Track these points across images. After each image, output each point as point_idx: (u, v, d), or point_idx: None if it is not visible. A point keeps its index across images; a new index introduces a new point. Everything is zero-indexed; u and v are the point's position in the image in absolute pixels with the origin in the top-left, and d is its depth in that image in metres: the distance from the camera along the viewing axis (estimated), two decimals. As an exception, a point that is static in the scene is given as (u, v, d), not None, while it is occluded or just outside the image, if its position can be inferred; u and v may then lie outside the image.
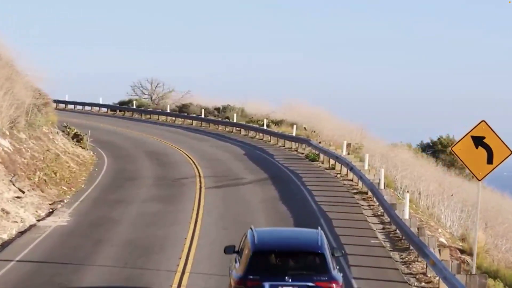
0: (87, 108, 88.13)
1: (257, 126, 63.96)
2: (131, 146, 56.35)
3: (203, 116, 72.50)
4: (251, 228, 18.89)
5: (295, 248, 18.45)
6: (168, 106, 79.60)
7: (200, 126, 71.11)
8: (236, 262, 18.73)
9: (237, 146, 55.67)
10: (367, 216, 32.40)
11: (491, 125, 22.14)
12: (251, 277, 17.39)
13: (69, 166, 43.64)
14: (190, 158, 49.52)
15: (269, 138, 59.90)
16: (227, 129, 67.24)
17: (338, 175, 42.89)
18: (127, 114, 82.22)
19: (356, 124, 71.79)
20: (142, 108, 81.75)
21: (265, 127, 63.06)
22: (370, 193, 35.25)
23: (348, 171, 40.97)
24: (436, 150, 72.93)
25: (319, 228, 19.37)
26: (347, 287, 20.01)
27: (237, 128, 65.86)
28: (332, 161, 45.43)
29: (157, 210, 32.87)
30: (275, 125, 68.35)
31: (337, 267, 18.29)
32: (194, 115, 74.52)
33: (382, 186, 34.08)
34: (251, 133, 63.76)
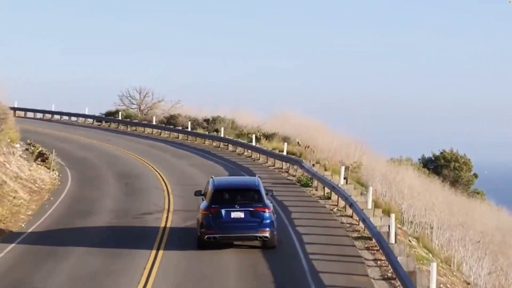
0: (73, 118, 78.56)
1: (245, 142, 53.89)
2: (104, 165, 46.74)
3: (189, 129, 62.62)
4: (212, 177, 27.22)
5: (241, 186, 27.05)
6: (154, 118, 69.63)
7: (186, 140, 61.31)
8: (203, 200, 26.43)
9: (221, 166, 45.83)
10: (373, 279, 22.43)
11: None
12: (213, 206, 25.18)
13: (14, 197, 33.72)
14: (164, 182, 39.86)
15: (258, 155, 50.13)
16: (214, 144, 57.41)
17: (335, 209, 32.91)
18: (113, 125, 72.44)
19: (353, 136, 62.35)
20: (128, 120, 71.96)
21: (253, 142, 52.89)
22: (375, 240, 25.42)
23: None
24: (438, 165, 63.19)
25: (257, 175, 31.64)
26: None
27: (225, 143, 56.02)
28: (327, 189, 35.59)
29: (96, 269, 22.96)
30: (266, 139, 58.55)
31: (270, 200, 27.07)
32: (181, 128, 64.77)
33: (392, 239, 24.12)
34: (239, 149, 53.95)
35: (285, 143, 49.93)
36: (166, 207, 32.86)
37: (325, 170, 43.85)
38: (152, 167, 45.01)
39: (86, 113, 77.51)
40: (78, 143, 58.31)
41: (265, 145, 55.88)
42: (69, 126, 71.45)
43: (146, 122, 70.06)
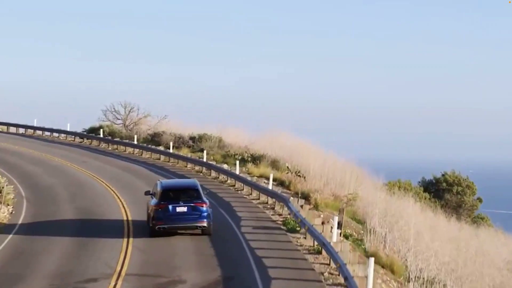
0: (55, 134, 70.74)
1: (228, 169, 45.61)
2: (68, 197, 39.01)
3: (171, 150, 54.54)
4: (159, 180, 32.49)
5: (184, 187, 31.54)
6: (136, 136, 61.54)
7: (168, 162, 53.41)
8: (152, 198, 30.58)
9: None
10: None
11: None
12: (162, 202, 29.35)
13: None
14: (128, 224, 32.17)
15: (241, 185, 42.18)
16: (196, 168, 49.39)
17: (326, 272, 24.74)
18: (94, 143, 64.53)
19: (346, 157, 54.61)
20: (109, 138, 63.99)
21: (237, 169, 44.59)
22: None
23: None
24: (440, 189, 55.21)
25: (195, 179, 34.79)
26: None
27: (207, 168, 47.98)
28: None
29: None
30: (254, 162, 50.63)
31: (207, 197, 30.96)
32: (162, 148, 56.84)
33: None
34: (222, 176, 45.95)
35: (271, 174, 41.60)
36: (119, 267, 24.95)
37: (316, 208, 36.08)
38: (121, 201, 37.17)
39: (68, 129, 69.62)
40: (50, 165, 50.57)
41: (252, 170, 48.00)
42: (48, 144, 63.60)
43: (127, 141, 62.10)
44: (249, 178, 44.01)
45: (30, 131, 72.77)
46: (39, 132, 71.79)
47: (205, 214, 29.21)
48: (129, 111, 70.49)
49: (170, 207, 29.07)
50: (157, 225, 29.07)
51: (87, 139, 65.89)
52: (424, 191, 53.49)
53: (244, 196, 39.85)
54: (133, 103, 70.61)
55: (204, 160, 49.10)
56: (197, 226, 29.32)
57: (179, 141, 61.03)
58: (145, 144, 59.72)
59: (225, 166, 48.43)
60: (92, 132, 68.35)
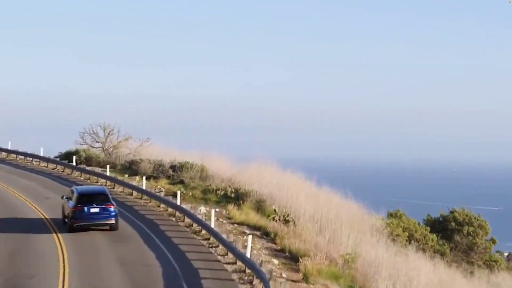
0: (29, 158, 61.23)
1: (203, 221, 35.07)
2: (3, 256, 29.59)
3: (144, 186, 44.76)
4: (74, 187, 36.14)
5: (96, 192, 34.79)
6: (108, 167, 51.53)
7: (140, 199, 43.90)
8: (68, 202, 33.82)
9: (163, 266, 28.47)
10: None
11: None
12: (79, 205, 32.87)
13: None
14: None
15: (217, 242, 32.49)
16: (169, 210, 39.79)
17: None
18: (67, 170, 54.98)
19: (340, 192, 45.36)
20: (81, 166, 54.28)
21: (212, 219, 34.65)
22: None
23: None
24: (448, 228, 45.62)
25: (105, 186, 41.89)
26: None
27: (181, 212, 38.23)
28: None
29: None
30: (236, 202, 41.09)
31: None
32: (136, 181, 47.18)
33: None
34: (197, 225, 36.22)
35: (249, 238, 31.61)
36: None
37: (307, 280, 26.60)
38: (63, 264, 27.77)
39: (41, 154, 60.10)
40: (5, 203, 41.12)
41: (233, 213, 38.39)
42: (17, 171, 54.06)
43: (100, 170, 52.58)
44: (229, 227, 34.60)
45: (3, 154, 63.40)
46: (13, 156, 62.44)
47: (113, 213, 33.54)
48: (109, 134, 61.03)
49: (85, 208, 33.22)
50: (75, 223, 33.21)
51: (60, 165, 56.29)
52: (431, 230, 44.02)
53: (219, 257, 30.14)
54: (113, 125, 61.18)
55: (178, 200, 39.30)
56: (107, 223, 33.64)
57: (158, 170, 51.51)
58: (117, 177, 50.02)
59: (201, 210, 38.91)
60: (68, 156, 58.78)
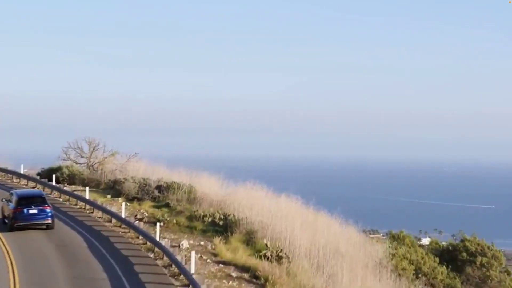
0: (9, 175, 55.51)
1: (182, 265, 29.36)
2: None
3: (123, 213, 38.84)
4: (13, 191, 37.86)
5: (34, 195, 36.84)
6: (87, 189, 45.65)
7: (119, 227, 38.19)
8: (8, 204, 35.91)
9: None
10: None
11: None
12: (19, 206, 34.91)
13: None
14: None
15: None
16: (147, 245, 33.96)
17: None
18: (47, 189, 49.24)
19: (340, 218, 39.81)
20: (59, 186, 48.45)
21: (192, 266, 28.56)
22: None
23: None
24: (459, 259, 39.88)
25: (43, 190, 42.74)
26: None
27: (158, 248, 32.38)
28: None
29: None
30: (225, 233, 35.42)
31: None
32: (115, 210, 41.14)
33: None
34: (174, 267, 30.49)
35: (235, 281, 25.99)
36: None
37: None
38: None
39: (21, 171, 54.40)
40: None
41: (220, 249, 32.63)
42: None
43: (79, 190, 46.80)
44: (213, 268, 28.93)
45: (-16, 171, 57.70)
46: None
47: (50, 214, 35.58)
48: (93, 149, 55.33)
49: (25, 210, 35.14)
50: (15, 224, 35.12)
51: (40, 184, 50.54)
52: (440, 261, 38.28)
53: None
54: (99, 139, 55.50)
55: (157, 234, 33.35)
56: (44, 223, 35.48)
57: (143, 190, 45.78)
58: (98, 198, 44.26)
59: (184, 244, 33.13)
60: (51, 173, 53.05)
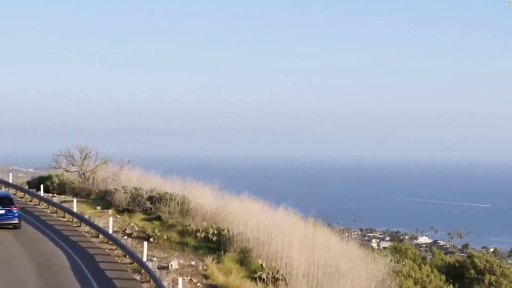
0: (-1, 184, 52.71)
1: None
2: None
3: (110, 228, 35.94)
4: None
5: (1, 196, 37.45)
6: (75, 201, 42.49)
7: (106, 244, 35.39)
8: None
9: None
10: None
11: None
12: None
13: None
14: None
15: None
16: (134, 266, 31.06)
17: None
18: (35, 200, 46.54)
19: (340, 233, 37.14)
20: (47, 197, 45.63)
21: (179, 284, 25.78)
22: None
23: None
24: (467, 277, 37.03)
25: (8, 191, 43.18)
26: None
27: (145, 271, 29.60)
28: None
29: None
30: (217, 251, 32.63)
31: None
32: (105, 225, 38.16)
33: None
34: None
35: None
36: None
37: None
38: None
39: (10, 180, 51.61)
40: None
41: (211, 270, 29.80)
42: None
43: (68, 201, 43.87)
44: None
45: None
46: (-17, 180, 53.89)
47: (17, 214, 36.73)
48: (85, 157, 52.55)
49: None
50: None
51: (28, 194, 47.75)
52: (446, 279, 35.44)
53: None
54: (91, 147, 52.73)
55: (145, 255, 30.46)
56: (11, 223, 36.50)
57: (135, 202, 43.00)
58: (87, 210, 41.51)
59: (173, 265, 30.27)
60: (41, 182, 50.34)
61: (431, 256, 45.48)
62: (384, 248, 46.07)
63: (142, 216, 40.90)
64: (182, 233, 36.29)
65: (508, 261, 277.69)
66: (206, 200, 42.42)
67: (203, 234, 35.46)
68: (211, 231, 35.63)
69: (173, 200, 42.11)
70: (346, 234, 40.05)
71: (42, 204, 44.91)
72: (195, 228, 36.26)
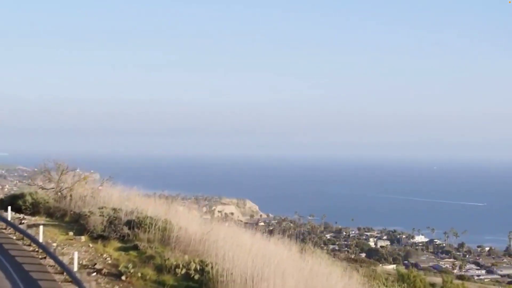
0: (-32, 203, 46.88)
1: None
2: None
3: (75, 266, 30.06)
4: None
5: None
6: (41, 229, 36.58)
7: (71, 283, 29.66)
8: None
9: None
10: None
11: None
12: None
13: None
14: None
15: None
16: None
17: None
18: (2, 223, 40.76)
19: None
20: (14, 223, 39.75)
21: None
22: None
23: None
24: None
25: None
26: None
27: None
28: None
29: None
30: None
31: None
32: (69, 261, 32.52)
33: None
34: None
35: None
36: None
37: None
38: None
39: (-21, 199, 45.79)
40: None
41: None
42: None
43: (35, 229, 38.06)
44: None
45: None
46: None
47: None
48: (62, 172, 46.78)
49: None
50: None
51: (-5, 216, 41.91)
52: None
53: None
54: (67, 163, 46.91)
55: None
56: None
57: (111, 226, 37.24)
58: (57, 237, 35.69)
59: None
60: (14, 200, 44.58)
61: (441, 285, 39.79)
62: (389, 275, 40.27)
63: (118, 244, 35.12)
64: (160, 268, 30.51)
65: (504, 260, 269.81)
66: (191, 225, 36.68)
67: (183, 271, 29.72)
68: (193, 266, 29.86)
69: (153, 225, 36.34)
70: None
71: (9, 229, 39.14)
72: (175, 263, 30.48)
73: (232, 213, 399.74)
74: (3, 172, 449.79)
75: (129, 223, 37.19)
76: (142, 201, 41.62)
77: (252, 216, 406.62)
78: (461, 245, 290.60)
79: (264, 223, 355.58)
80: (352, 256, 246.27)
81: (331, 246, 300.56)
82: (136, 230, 36.48)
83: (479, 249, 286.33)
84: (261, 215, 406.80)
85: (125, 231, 36.60)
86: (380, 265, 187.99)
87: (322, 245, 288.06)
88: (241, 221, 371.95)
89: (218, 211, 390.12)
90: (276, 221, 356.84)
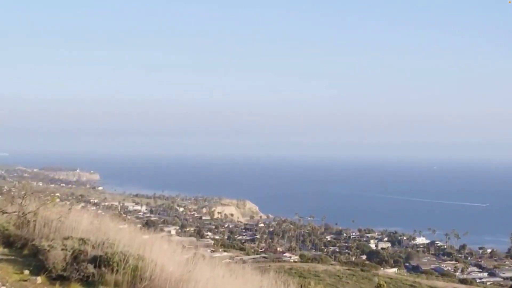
0: None
1: None
2: None
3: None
4: None
5: None
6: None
7: None
8: None
9: None
10: None
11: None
12: None
13: None
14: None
15: None
16: None
17: None
18: (-50, 257, 34.34)
19: None
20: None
21: None
22: None
23: None
24: None
25: None
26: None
27: None
28: None
29: None
30: None
31: None
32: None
33: None
34: None
35: None
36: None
37: None
38: None
39: None
40: None
41: None
42: None
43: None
44: None
45: None
46: None
47: None
48: (26, 194, 40.28)
49: None
50: None
51: None
52: None
53: None
54: (32, 182, 40.32)
55: None
56: None
57: (74, 264, 30.76)
58: (9, 277, 29.25)
59: None
60: (-30, 226, 38.03)
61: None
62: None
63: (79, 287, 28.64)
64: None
65: (506, 262, 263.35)
66: (169, 261, 30.17)
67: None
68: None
69: (124, 263, 29.82)
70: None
71: (-45, 265, 32.58)
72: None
73: (232, 214, 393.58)
74: (2, 172, 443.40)
75: (95, 260, 30.64)
76: (114, 229, 35.13)
77: (252, 217, 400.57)
78: (463, 246, 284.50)
79: (264, 224, 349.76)
80: (353, 259, 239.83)
81: (331, 248, 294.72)
82: (103, 268, 29.94)
83: (480, 250, 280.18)
84: (261, 216, 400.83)
85: (90, 271, 30.04)
86: (382, 268, 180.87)
87: (322, 247, 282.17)
88: (241, 222, 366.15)
89: (218, 212, 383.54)
90: (276, 223, 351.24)
